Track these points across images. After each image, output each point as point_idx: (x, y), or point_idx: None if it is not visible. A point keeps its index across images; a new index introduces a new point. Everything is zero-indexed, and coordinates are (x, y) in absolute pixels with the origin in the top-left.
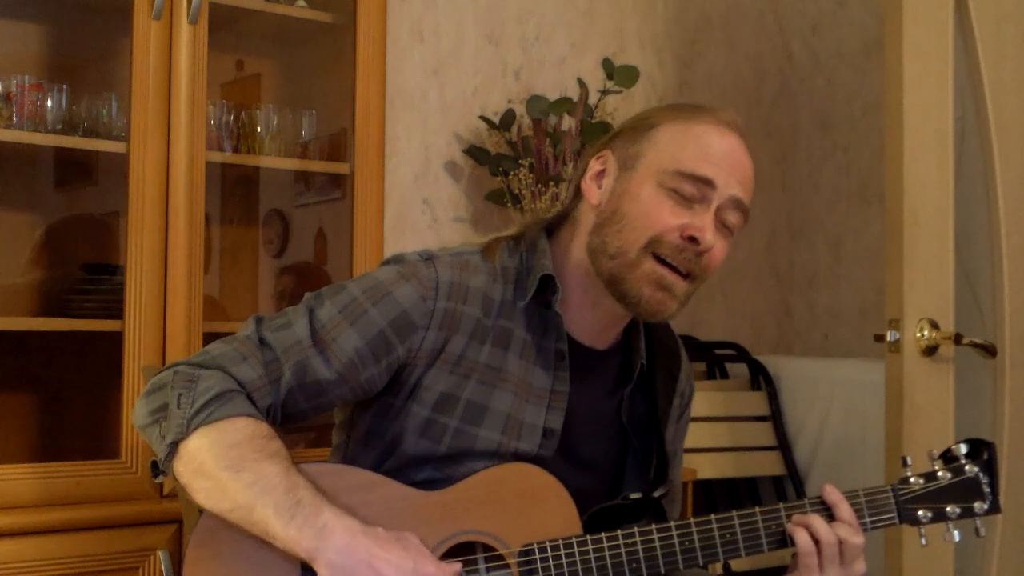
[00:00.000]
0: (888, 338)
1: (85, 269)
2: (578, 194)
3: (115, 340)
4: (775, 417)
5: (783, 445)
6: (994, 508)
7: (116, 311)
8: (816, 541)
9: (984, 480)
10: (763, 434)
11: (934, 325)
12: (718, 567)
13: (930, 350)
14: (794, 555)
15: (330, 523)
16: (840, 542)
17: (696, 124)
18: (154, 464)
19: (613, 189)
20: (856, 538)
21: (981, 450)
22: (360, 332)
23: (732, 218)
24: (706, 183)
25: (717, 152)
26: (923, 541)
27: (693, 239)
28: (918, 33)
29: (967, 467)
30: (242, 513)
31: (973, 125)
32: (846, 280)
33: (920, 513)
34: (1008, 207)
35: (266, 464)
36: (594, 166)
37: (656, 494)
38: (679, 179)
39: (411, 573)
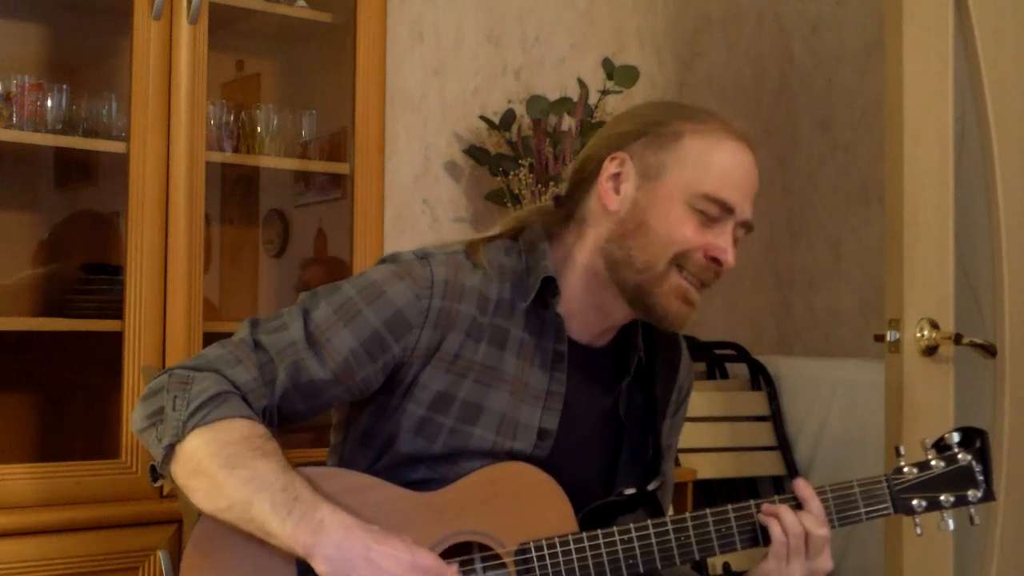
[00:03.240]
0: (888, 338)
1: (85, 269)
2: (579, 190)
3: (115, 340)
4: (775, 417)
5: (783, 445)
6: (988, 496)
7: (116, 311)
8: (784, 532)
9: (977, 468)
10: (763, 434)
11: (934, 325)
12: (718, 564)
13: (930, 350)
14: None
15: (327, 518)
16: (805, 534)
17: (722, 141)
18: (153, 468)
19: (636, 199)
20: (820, 529)
21: (974, 438)
22: (355, 332)
23: (739, 234)
24: (729, 209)
25: (740, 177)
26: (918, 530)
27: (716, 260)
28: (918, 33)
29: (960, 455)
30: (239, 510)
31: (973, 125)
32: (846, 280)
33: (914, 502)
34: (1008, 207)
35: (262, 462)
36: (609, 167)
37: (650, 487)
38: (706, 202)
39: (409, 565)
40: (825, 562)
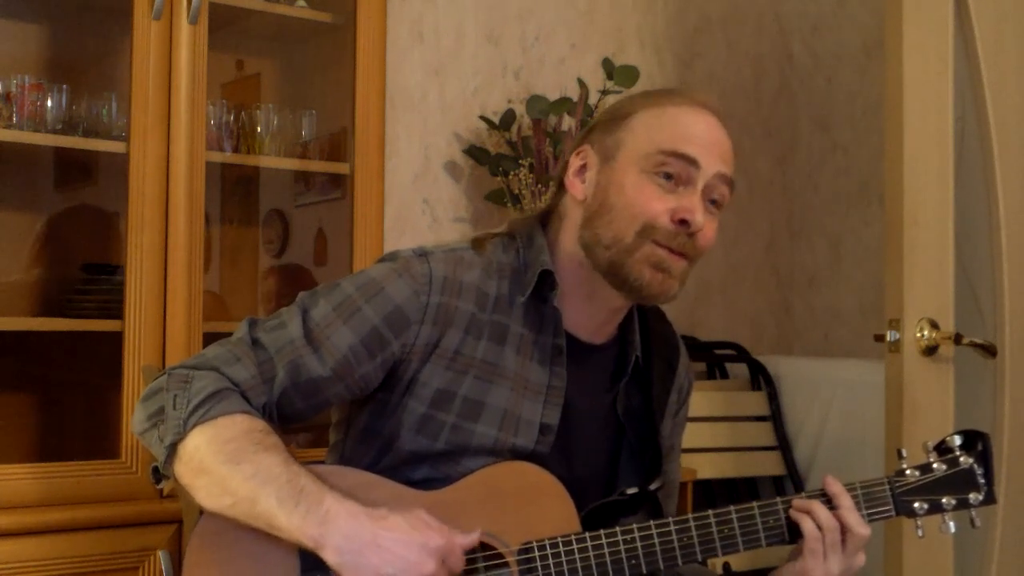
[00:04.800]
0: (888, 338)
1: (85, 269)
2: (561, 189)
3: (115, 340)
4: (775, 417)
5: (783, 445)
6: (989, 499)
7: (116, 311)
8: (819, 527)
9: (979, 471)
10: (763, 434)
11: (934, 325)
12: (718, 565)
13: (930, 350)
14: (796, 544)
15: (333, 508)
16: (843, 529)
17: (670, 106)
18: (155, 469)
19: (597, 182)
20: (863, 529)
21: (976, 441)
22: (354, 329)
23: (718, 193)
24: (690, 162)
25: (696, 131)
26: (919, 533)
27: (684, 222)
28: (918, 33)
29: (962, 458)
30: (245, 506)
31: (973, 125)
32: (846, 280)
33: (916, 505)
34: (1008, 207)
35: (265, 456)
36: (575, 162)
37: (652, 487)
38: (661, 158)
39: (418, 547)
40: (861, 558)
